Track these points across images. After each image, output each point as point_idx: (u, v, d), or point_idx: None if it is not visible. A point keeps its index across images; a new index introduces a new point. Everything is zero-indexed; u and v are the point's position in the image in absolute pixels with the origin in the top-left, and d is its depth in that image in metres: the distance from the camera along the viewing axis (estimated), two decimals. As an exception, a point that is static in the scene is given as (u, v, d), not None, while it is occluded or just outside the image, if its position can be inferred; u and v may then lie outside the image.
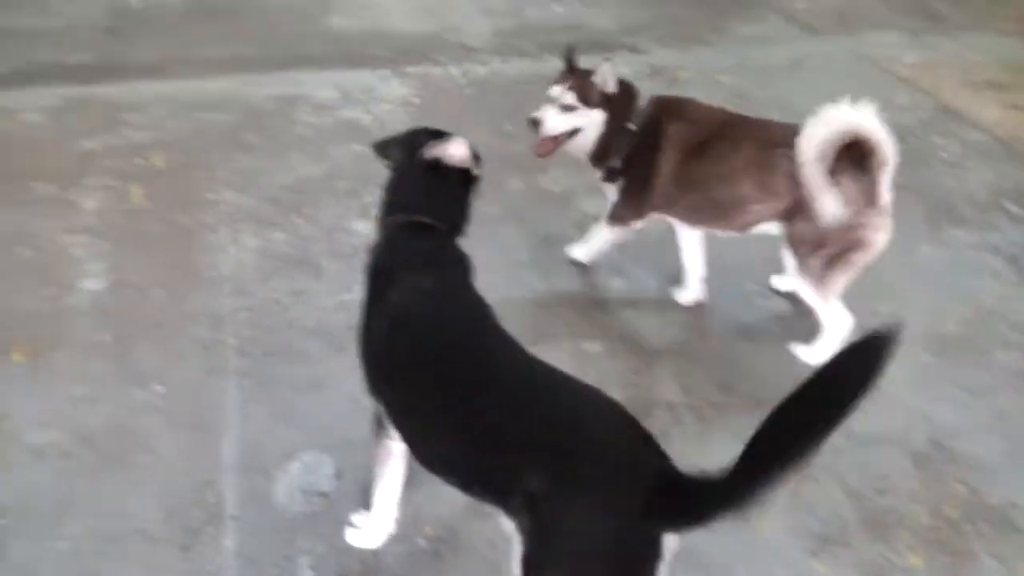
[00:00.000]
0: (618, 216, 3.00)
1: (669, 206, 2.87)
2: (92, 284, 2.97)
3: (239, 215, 3.37)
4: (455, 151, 2.06)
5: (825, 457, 2.46)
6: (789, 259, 2.70)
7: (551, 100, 2.92)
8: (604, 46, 5.03)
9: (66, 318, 2.82)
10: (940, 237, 3.54)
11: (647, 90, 4.50)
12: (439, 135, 2.13)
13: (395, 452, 2.02)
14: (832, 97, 4.41)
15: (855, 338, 1.32)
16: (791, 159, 2.52)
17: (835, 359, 1.32)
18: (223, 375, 2.62)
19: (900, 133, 4.17)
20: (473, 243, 2.12)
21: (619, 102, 2.91)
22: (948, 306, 3.15)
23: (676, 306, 3.05)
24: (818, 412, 1.31)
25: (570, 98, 2.89)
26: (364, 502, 2.16)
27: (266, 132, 4.00)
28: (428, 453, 1.77)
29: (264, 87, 4.40)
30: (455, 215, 2.09)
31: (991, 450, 2.56)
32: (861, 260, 2.64)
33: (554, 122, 2.90)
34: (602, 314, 3.01)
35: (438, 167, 2.06)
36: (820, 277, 2.65)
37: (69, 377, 2.59)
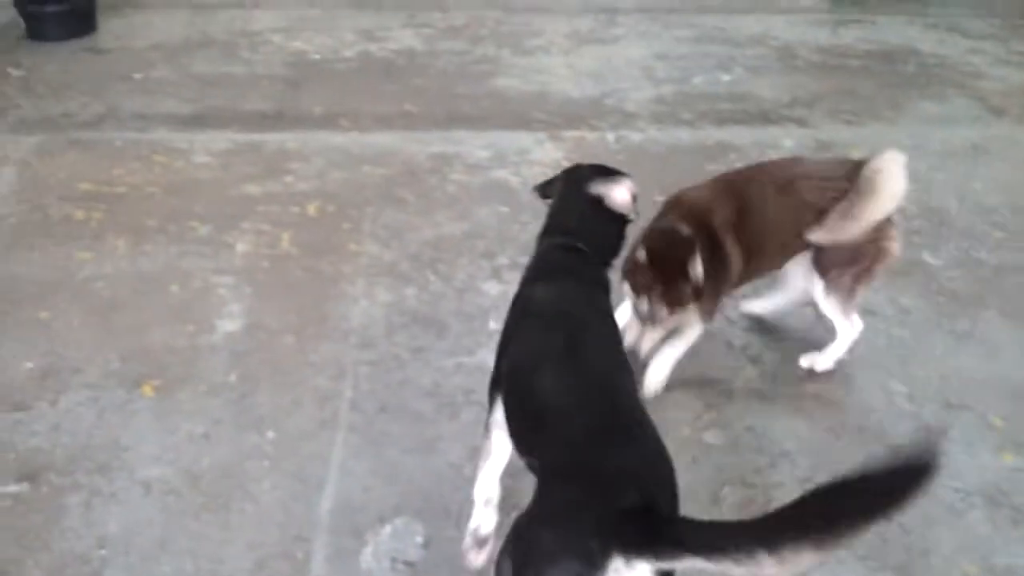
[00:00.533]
0: (708, 312, 2.72)
1: (741, 281, 2.80)
2: (228, 325, 3.09)
3: (377, 268, 3.44)
4: (618, 195, 2.25)
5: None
6: (816, 281, 2.79)
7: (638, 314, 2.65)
8: (768, 119, 4.88)
9: (199, 356, 2.94)
10: None
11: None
12: (608, 172, 2.31)
13: (496, 448, 2.11)
14: (1017, 187, 4.07)
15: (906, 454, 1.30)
16: (819, 189, 2.66)
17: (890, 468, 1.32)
18: (334, 428, 2.65)
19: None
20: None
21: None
22: None
23: (812, 403, 2.83)
24: (845, 505, 1.33)
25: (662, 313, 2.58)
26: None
27: (418, 188, 4.08)
28: (514, 423, 1.93)
29: (424, 144, 4.51)
30: (607, 246, 2.27)
31: None
32: (882, 270, 2.81)
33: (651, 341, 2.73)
34: (728, 403, 2.83)
35: (600, 202, 2.23)
36: (850, 291, 2.78)
37: (190, 414, 2.69)
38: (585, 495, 1.54)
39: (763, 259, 2.78)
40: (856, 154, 4.51)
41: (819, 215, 2.64)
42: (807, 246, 2.74)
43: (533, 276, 2.15)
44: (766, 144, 4.60)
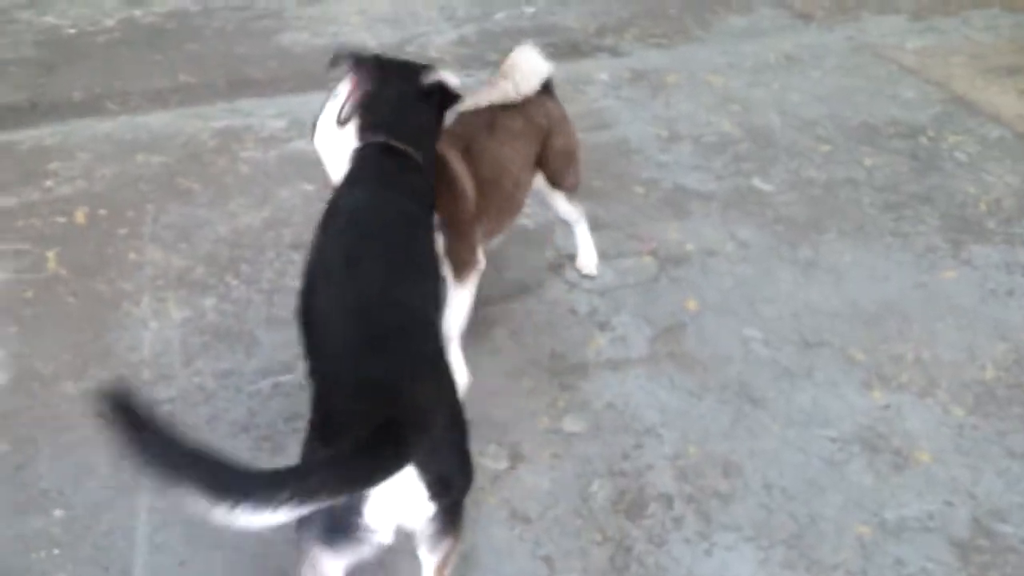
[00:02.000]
0: (462, 268, 2.47)
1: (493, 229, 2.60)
2: (-8, 379, 2.57)
3: (165, 279, 2.96)
4: (453, 81, 2.21)
5: (850, 555, 2.09)
6: (556, 196, 2.84)
7: None
8: (579, 51, 4.64)
9: (-43, 425, 2.41)
10: (963, 257, 3.12)
11: (631, 99, 4.17)
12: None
13: None
14: (834, 96, 4.01)
15: None
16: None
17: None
18: (134, 492, 2.21)
19: (910, 132, 3.80)
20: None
21: None
22: (981, 344, 2.73)
23: (669, 365, 2.64)
24: None
25: None
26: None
27: (205, 173, 3.58)
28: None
29: (207, 120, 3.98)
30: (428, 144, 2.16)
31: (1049, 533, 2.16)
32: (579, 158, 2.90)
33: None
34: (584, 381, 2.59)
35: (429, 95, 2.17)
36: (577, 185, 2.90)
37: (-48, 505, 2.19)
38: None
39: (503, 199, 2.57)
40: (672, 80, 4.38)
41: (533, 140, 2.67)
42: (533, 174, 2.73)
43: (346, 182, 2.03)
44: (581, 79, 4.35)
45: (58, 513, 2.16)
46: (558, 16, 5.12)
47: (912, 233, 3.24)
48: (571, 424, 2.43)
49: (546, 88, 2.80)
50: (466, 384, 2.47)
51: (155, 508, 2.17)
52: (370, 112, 2.15)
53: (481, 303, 2.84)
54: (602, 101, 4.17)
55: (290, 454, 2.30)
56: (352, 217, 1.91)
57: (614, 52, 4.66)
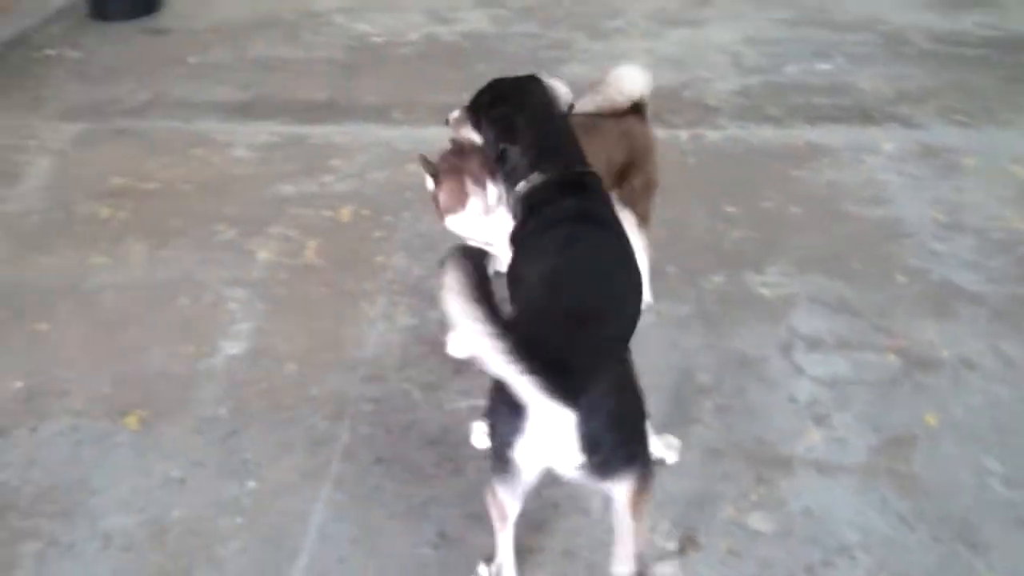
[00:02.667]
0: None
1: None
2: (232, 347, 2.83)
3: (402, 285, 3.12)
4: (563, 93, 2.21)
5: None
6: (628, 216, 2.76)
7: None
8: (868, 117, 4.34)
9: (193, 384, 2.68)
10: None
11: (915, 176, 3.82)
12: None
13: None
14: None
15: None
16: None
17: None
18: (320, 480, 2.34)
19: None
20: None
21: None
22: None
23: (886, 481, 2.37)
24: None
25: None
26: None
27: (462, 190, 3.73)
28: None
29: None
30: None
31: None
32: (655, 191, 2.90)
33: None
34: (785, 478, 2.39)
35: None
36: (649, 213, 2.91)
37: (170, 454, 2.43)
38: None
39: None
40: (968, 162, 3.96)
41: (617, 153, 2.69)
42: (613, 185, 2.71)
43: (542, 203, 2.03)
44: (863, 147, 4.06)
45: (251, 484, 2.34)
46: (854, 76, 4.81)
47: None
48: (758, 522, 2.24)
49: (638, 109, 2.80)
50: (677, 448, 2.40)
51: (333, 500, 2.28)
52: (522, 151, 2.08)
53: (693, 368, 2.74)
54: (882, 174, 3.86)
55: (466, 477, 2.33)
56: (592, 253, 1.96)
57: (907, 123, 4.30)
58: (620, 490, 1.75)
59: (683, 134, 4.22)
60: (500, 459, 1.72)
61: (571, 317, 1.72)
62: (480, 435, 2.43)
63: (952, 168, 3.90)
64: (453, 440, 2.47)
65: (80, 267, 3.22)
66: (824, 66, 4.96)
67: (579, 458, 1.63)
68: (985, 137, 4.18)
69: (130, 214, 3.56)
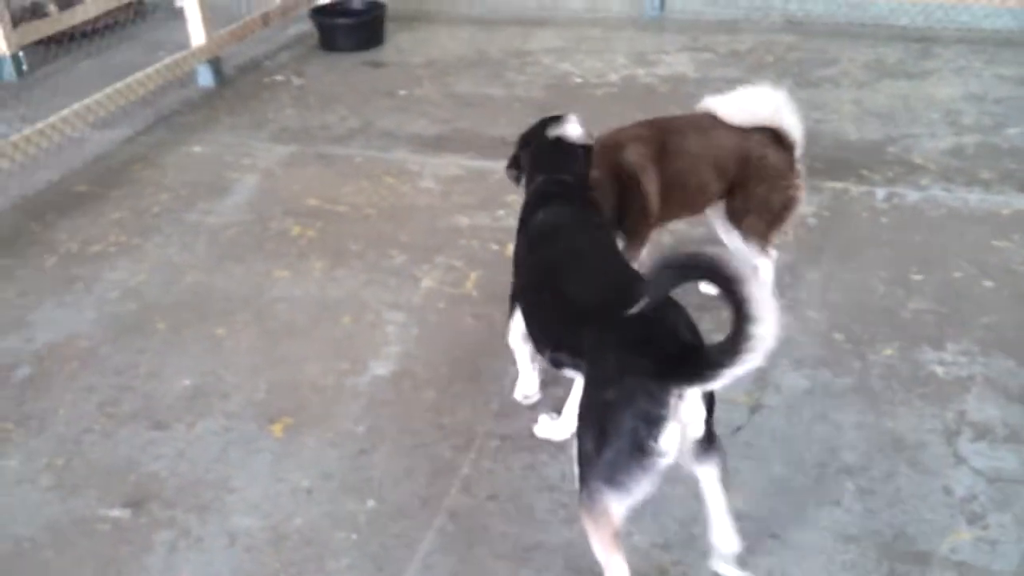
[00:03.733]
0: (634, 247, 2.95)
1: (661, 217, 2.98)
2: (380, 368, 2.96)
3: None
4: (572, 131, 2.65)
5: None
6: (732, 231, 3.03)
7: None
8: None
9: (340, 398, 2.83)
10: None
11: None
12: (556, 118, 2.70)
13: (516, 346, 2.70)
14: None
15: None
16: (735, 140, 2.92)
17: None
18: (435, 510, 2.39)
19: None
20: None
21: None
22: None
23: None
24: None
25: None
26: None
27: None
28: (536, 326, 2.38)
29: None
30: (580, 172, 2.62)
31: None
32: (792, 215, 3.03)
33: None
34: (920, 574, 2.17)
35: (561, 141, 2.64)
36: (765, 236, 3.02)
37: (305, 463, 2.57)
38: (634, 351, 1.87)
39: (685, 197, 2.95)
40: None
41: (730, 159, 2.92)
42: (723, 194, 2.98)
43: (531, 208, 2.53)
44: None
45: (371, 503, 2.43)
46: (1086, 142, 4.32)
47: None
48: (880, 620, 2.05)
49: (778, 137, 2.93)
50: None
51: (444, 530, 2.33)
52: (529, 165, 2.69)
53: (841, 445, 2.56)
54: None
55: (577, 528, 2.29)
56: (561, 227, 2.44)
57: None
58: (711, 464, 2.00)
59: (880, 191, 3.96)
60: (634, 456, 1.83)
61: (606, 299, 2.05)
62: (547, 427, 2.62)
63: None
64: (568, 489, 2.43)
65: (264, 279, 3.50)
66: (1055, 128, 4.49)
67: (703, 422, 1.91)
68: None
69: (317, 233, 3.82)
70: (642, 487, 1.86)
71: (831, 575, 2.17)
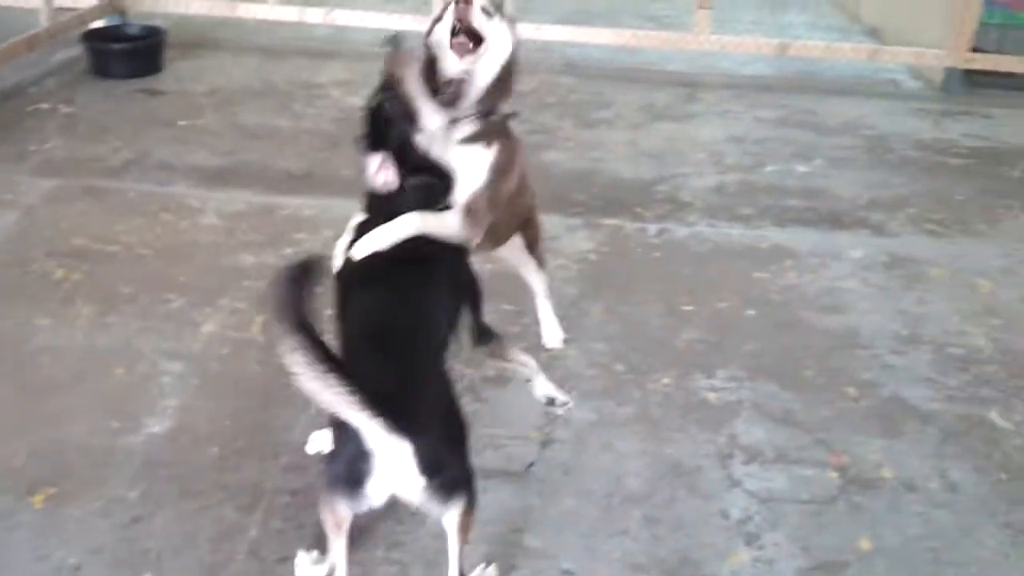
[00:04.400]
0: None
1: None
2: (155, 425, 2.77)
3: (341, 369, 3.07)
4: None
5: None
6: (528, 261, 3.09)
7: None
8: (839, 222, 4.33)
9: (110, 461, 2.62)
10: None
11: (879, 285, 3.78)
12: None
13: None
14: None
15: None
16: None
17: None
18: (219, 576, 2.27)
19: None
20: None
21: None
22: None
23: None
24: None
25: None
26: None
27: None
28: None
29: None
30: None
31: None
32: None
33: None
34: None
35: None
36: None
37: (71, 537, 2.36)
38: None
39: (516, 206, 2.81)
40: (936, 274, 3.91)
41: None
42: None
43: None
44: (829, 252, 4.03)
45: None
46: (831, 180, 4.81)
47: None
48: (665, 647, 2.15)
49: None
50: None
51: (228, 599, 2.20)
52: None
53: (626, 473, 2.67)
54: (845, 281, 3.82)
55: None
56: None
57: (878, 230, 4.28)
58: (452, 513, 1.98)
59: (652, 227, 4.21)
60: (349, 485, 1.90)
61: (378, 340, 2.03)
62: (319, 444, 2.58)
63: (917, 279, 3.86)
64: (370, 544, 2.39)
65: (23, 328, 3.20)
66: (802, 168, 4.96)
67: (421, 482, 1.85)
68: (955, 248, 4.15)
69: (84, 276, 3.54)
70: (362, 508, 1.94)
71: (620, 606, 2.25)
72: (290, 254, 3.79)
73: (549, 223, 4.12)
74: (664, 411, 2.98)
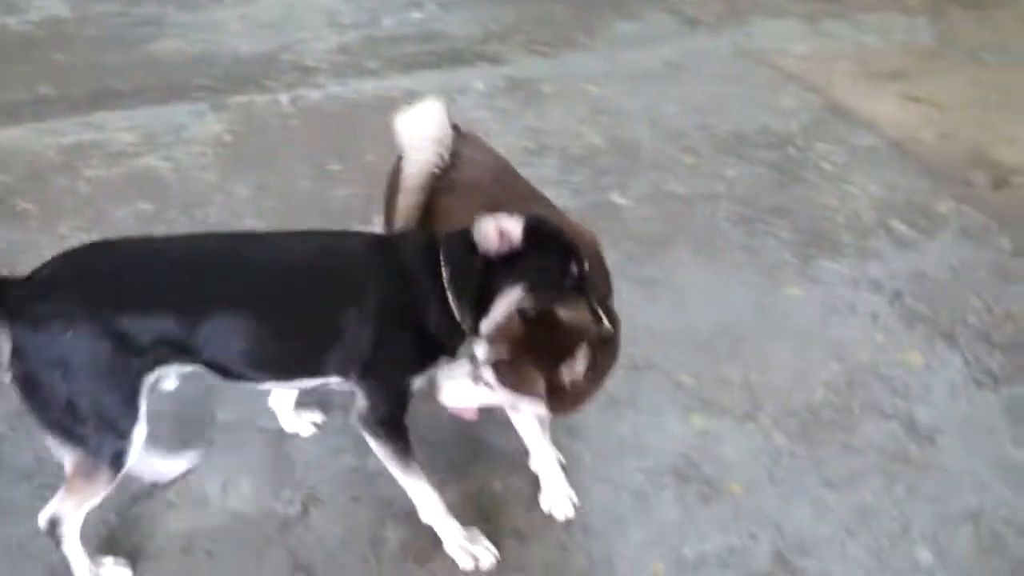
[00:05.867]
0: None
1: None
2: None
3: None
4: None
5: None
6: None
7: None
8: (459, 59, 4.53)
9: None
10: (810, 272, 3.05)
11: (504, 109, 4.06)
12: None
13: None
14: (709, 105, 3.92)
15: None
16: None
17: None
18: None
19: (779, 141, 3.73)
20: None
21: None
22: (814, 366, 2.66)
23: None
24: None
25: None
26: None
27: (44, 194, 3.43)
28: None
29: (57, 136, 3.82)
30: None
31: (849, 568, 2.08)
32: None
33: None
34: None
35: None
36: None
37: None
38: None
39: None
40: (548, 89, 4.27)
41: None
42: None
43: None
44: (456, 88, 4.24)
45: None
46: (445, 23, 5.01)
47: (762, 248, 3.17)
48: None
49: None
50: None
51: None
52: None
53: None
54: (474, 112, 4.06)
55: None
56: None
57: (494, 60, 4.56)
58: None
59: (283, 97, 4.16)
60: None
61: None
62: None
63: (534, 97, 4.20)
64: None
65: None
66: (417, 15, 5.10)
67: None
68: (563, 64, 4.54)
69: None
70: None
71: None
72: None
73: (171, 115, 3.97)
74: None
